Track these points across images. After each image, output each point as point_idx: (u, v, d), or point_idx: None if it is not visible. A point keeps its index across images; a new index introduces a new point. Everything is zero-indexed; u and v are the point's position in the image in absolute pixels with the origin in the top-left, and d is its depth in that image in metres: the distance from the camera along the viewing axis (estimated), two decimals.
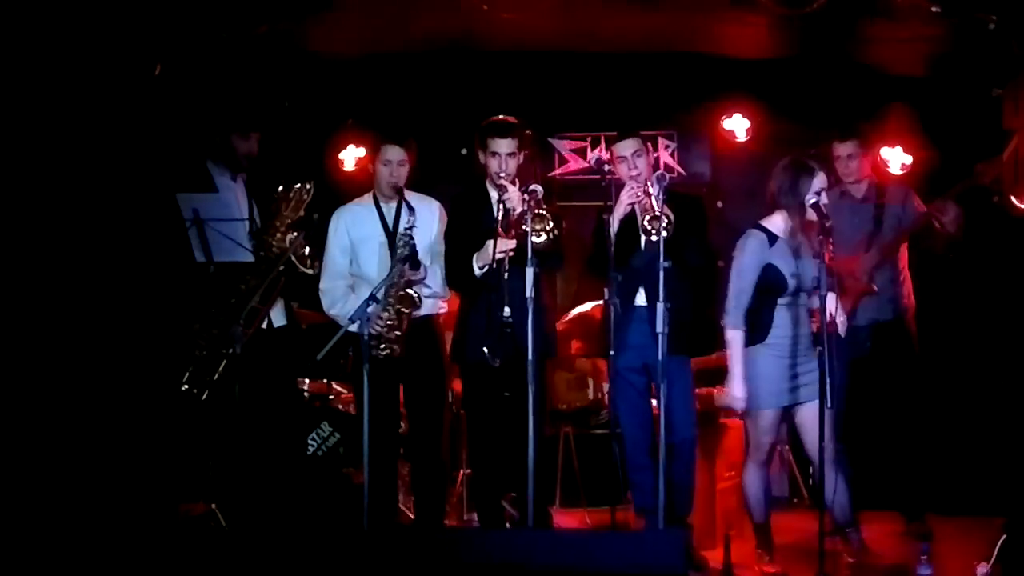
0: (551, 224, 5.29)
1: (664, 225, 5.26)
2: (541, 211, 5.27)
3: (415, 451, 5.92)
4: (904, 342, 6.23)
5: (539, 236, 5.26)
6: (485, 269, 5.46)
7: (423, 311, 5.71)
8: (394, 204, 5.71)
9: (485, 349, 5.40)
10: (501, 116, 5.68)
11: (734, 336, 5.38)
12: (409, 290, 5.53)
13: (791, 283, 5.33)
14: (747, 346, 5.37)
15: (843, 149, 6.23)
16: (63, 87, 5.93)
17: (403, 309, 5.54)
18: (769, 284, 5.36)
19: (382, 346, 5.53)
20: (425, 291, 5.68)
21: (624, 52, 7.36)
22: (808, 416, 5.35)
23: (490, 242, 5.42)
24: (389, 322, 5.54)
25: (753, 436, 5.52)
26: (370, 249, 5.77)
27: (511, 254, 5.40)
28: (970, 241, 6.32)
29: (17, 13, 5.75)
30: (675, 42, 7.22)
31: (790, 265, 5.34)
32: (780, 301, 5.38)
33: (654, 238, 5.33)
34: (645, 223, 5.42)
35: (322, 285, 5.83)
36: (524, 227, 5.24)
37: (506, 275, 5.38)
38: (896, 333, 6.18)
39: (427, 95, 7.67)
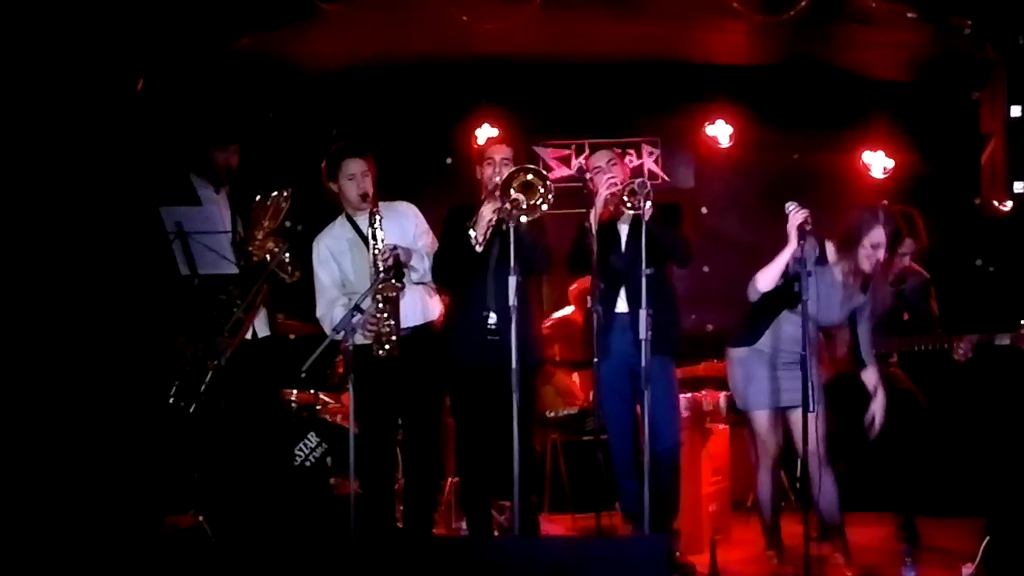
0: (541, 191, 5.25)
1: (644, 200, 5.25)
2: (528, 178, 5.26)
3: (410, 459, 5.88)
4: None
5: (534, 210, 5.23)
6: (483, 240, 5.47)
7: (419, 320, 5.69)
8: (365, 214, 5.68)
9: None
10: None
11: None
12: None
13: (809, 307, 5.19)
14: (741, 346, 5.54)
15: (906, 247, 5.90)
16: (47, 102, 5.96)
17: (389, 294, 5.44)
18: (784, 295, 5.38)
19: (384, 345, 5.46)
20: (413, 275, 5.63)
21: (607, 60, 7.39)
22: (795, 420, 5.42)
23: (482, 209, 5.45)
24: (380, 315, 5.46)
25: (757, 439, 5.61)
26: (350, 260, 5.73)
27: (503, 214, 5.37)
28: (949, 243, 6.35)
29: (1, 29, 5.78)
30: (657, 50, 7.26)
31: (814, 289, 5.20)
32: (789, 314, 5.42)
33: (632, 212, 5.37)
34: (625, 200, 5.41)
35: (318, 312, 5.78)
36: (508, 203, 5.22)
37: (493, 258, 5.44)
38: None
39: (412, 105, 7.70)
